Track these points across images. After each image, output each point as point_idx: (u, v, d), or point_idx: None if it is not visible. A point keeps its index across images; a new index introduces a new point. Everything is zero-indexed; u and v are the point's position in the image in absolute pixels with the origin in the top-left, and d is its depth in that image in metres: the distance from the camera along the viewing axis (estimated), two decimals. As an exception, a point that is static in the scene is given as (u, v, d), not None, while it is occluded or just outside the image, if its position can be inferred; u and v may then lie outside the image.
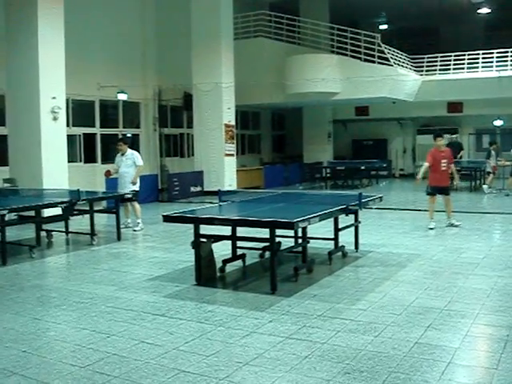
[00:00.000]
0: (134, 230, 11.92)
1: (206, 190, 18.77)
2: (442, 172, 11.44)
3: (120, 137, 17.12)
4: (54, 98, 13.46)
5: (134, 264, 8.89)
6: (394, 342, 5.04)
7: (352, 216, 8.80)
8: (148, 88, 20.18)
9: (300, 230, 8.00)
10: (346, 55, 21.05)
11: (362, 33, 20.90)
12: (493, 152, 18.62)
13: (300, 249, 8.09)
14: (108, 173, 12.77)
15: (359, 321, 5.67)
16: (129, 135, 19.89)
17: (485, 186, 18.32)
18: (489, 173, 18.52)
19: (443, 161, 11.37)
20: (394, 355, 4.75)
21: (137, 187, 12.27)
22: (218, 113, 18.78)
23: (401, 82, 21.07)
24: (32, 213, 10.61)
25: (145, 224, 12.29)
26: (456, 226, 11.40)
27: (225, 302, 6.52)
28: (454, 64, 22.77)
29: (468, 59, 22.59)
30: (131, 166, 12.19)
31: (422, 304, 6.20)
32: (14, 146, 14.00)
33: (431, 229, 11.20)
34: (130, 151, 12.40)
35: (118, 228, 10.95)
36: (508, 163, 18.48)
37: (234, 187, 18.31)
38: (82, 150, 18.08)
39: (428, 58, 23.37)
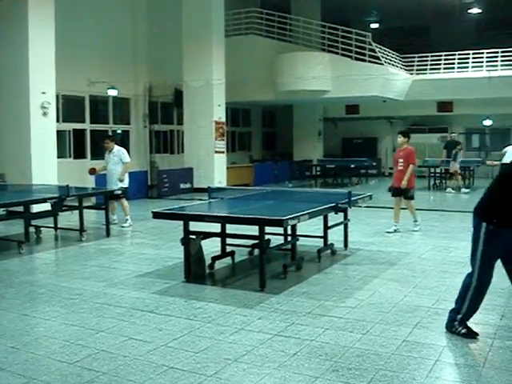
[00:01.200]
0: (122, 227, 11.90)
1: (195, 186, 18.73)
2: (399, 172, 10.82)
3: (108, 134, 17.10)
4: (43, 93, 13.42)
5: (124, 260, 8.88)
6: (382, 340, 5.07)
7: (341, 214, 8.81)
8: (138, 84, 20.13)
9: (289, 228, 8.01)
10: (337, 53, 21.07)
11: (353, 31, 20.93)
12: (459, 153, 18.58)
13: (289, 246, 8.11)
14: (93, 170, 12.57)
15: (347, 318, 5.69)
16: (119, 131, 19.85)
17: (449, 189, 18.25)
18: (452, 174, 18.43)
19: (400, 160, 10.79)
20: (381, 353, 4.77)
21: (125, 184, 12.23)
22: (209, 110, 18.75)
23: (391, 80, 21.14)
24: (21, 208, 10.56)
25: (134, 220, 12.27)
26: (415, 231, 10.88)
27: (214, 299, 6.53)
28: (445, 63, 22.86)
29: (458, 59, 22.69)
30: (118, 162, 12.12)
31: (410, 302, 6.23)
32: (2, 142, 13.93)
33: (388, 232, 10.75)
34: (116, 148, 12.31)
35: (107, 224, 10.93)
36: (496, 163, 18.54)
37: (223, 184, 18.30)
38: (72, 146, 18.01)
39: (418, 57, 23.46)
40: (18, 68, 13.34)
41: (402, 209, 11.03)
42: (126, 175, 12.27)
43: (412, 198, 10.89)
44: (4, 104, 13.81)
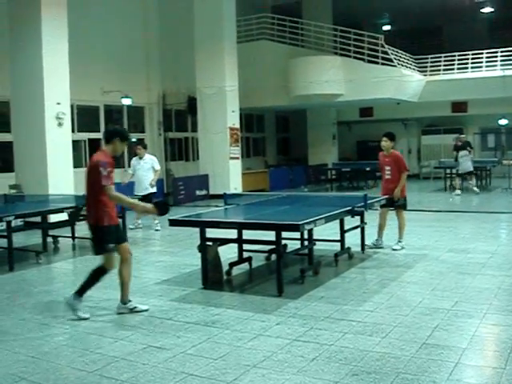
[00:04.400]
0: (156, 230, 12.34)
1: (211, 193, 18.80)
2: (387, 181, 9.58)
3: (141, 141, 17.26)
4: (58, 103, 13.51)
5: (141, 268, 8.88)
6: (401, 343, 5.04)
7: (358, 217, 8.79)
8: (152, 92, 20.23)
9: (306, 232, 7.99)
10: (350, 57, 21.06)
11: (365, 34, 20.91)
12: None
13: (306, 251, 8.08)
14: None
15: (366, 322, 5.67)
16: (134, 140, 19.93)
17: (476, 189, 18.08)
18: (468, 173, 18.36)
19: (387, 168, 9.55)
20: (401, 356, 4.74)
21: (155, 189, 12.67)
22: (223, 116, 18.80)
23: (405, 82, 21.07)
24: (38, 219, 10.64)
25: (151, 228, 12.38)
26: (395, 249, 9.38)
27: (231, 305, 6.53)
28: (458, 64, 22.74)
29: (472, 59, 22.55)
30: (149, 169, 12.58)
31: (429, 305, 6.19)
32: (19, 153, 14.05)
33: (367, 246, 9.44)
34: (147, 156, 12.77)
35: (124, 232, 10.95)
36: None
37: (239, 190, 18.33)
38: (88, 156, 18.11)
39: (432, 58, 23.36)
40: (33, 79, 13.44)
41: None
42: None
43: (404, 206, 9.70)
44: (19, 115, 13.93)
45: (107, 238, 6.07)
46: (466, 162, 18.13)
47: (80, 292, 6.18)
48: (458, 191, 18.21)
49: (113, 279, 8.05)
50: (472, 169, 18.23)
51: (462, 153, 18.30)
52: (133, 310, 6.29)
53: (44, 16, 13.28)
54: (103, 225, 6.03)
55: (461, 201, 16.81)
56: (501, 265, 7.99)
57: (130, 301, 6.36)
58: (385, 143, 9.70)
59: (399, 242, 9.59)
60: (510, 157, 20.30)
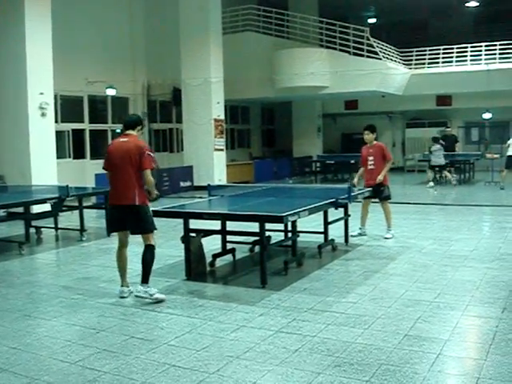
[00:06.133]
0: None
1: (195, 184, 18.73)
2: (371, 171, 9.83)
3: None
4: (41, 93, 13.40)
5: (124, 259, 8.85)
6: (383, 335, 5.06)
7: (342, 209, 8.81)
8: (137, 83, 20.11)
9: (290, 224, 8.00)
10: (335, 49, 21.05)
11: (350, 26, 20.90)
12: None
13: (290, 242, 8.10)
14: None
15: (349, 314, 5.69)
16: (118, 131, 19.83)
17: (453, 181, 18.15)
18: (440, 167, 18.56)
19: (370, 158, 9.82)
20: (383, 347, 4.76)
21: None
22: (208, 108, 18.73)
23: (390, 75, 21.10)
24: (21, 209, 10.55)
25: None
26: (387, 238, 9.72)
27: (215, 297, 6.53)
28: (443, 57, 22.82)
29: (456, 52, 22.64)
30: None
31: (411, 296, 6.22)
32: (1, 143, 13.93)
33: (352, 236, 9.66)
34: None
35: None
36: (497, 156, 18.53)
37: (223, 182, 18.30)
38: (71, 146, 18.00)
39: (417, 51, 23.41)
40: (16, 69, 13.32)
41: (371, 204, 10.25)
42: None
43: (389, 197, 9.97)
44: (2, 105, 13.80)
45: (151, 215, 6.57)
46: (438, 156, 18.25)
47: (144, 279, 6.36)
48: (431, 183, 18.38)
49: (94, 270, 8.04)
50: (443, 163, 18.34)
51: (434, 147, 18.39)
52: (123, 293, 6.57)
53: (27, 4, 13.14)
54: (147, 204, 6.49)
55: (444, 194, 16.90)
56: (483, 257, 8.05)
57: (128, 286, 6.66)
58: (367, 136, 9.97)
59: (389, 230, 9.90)
60: (494, 150, 20.39)
